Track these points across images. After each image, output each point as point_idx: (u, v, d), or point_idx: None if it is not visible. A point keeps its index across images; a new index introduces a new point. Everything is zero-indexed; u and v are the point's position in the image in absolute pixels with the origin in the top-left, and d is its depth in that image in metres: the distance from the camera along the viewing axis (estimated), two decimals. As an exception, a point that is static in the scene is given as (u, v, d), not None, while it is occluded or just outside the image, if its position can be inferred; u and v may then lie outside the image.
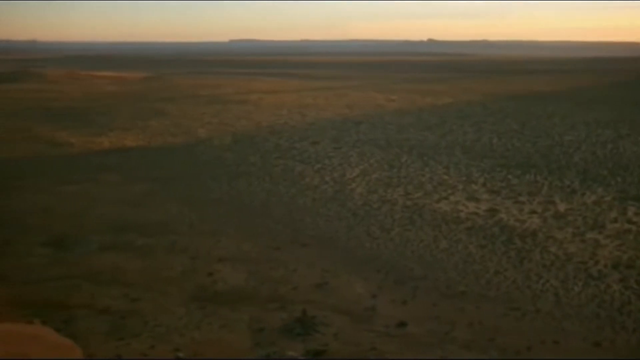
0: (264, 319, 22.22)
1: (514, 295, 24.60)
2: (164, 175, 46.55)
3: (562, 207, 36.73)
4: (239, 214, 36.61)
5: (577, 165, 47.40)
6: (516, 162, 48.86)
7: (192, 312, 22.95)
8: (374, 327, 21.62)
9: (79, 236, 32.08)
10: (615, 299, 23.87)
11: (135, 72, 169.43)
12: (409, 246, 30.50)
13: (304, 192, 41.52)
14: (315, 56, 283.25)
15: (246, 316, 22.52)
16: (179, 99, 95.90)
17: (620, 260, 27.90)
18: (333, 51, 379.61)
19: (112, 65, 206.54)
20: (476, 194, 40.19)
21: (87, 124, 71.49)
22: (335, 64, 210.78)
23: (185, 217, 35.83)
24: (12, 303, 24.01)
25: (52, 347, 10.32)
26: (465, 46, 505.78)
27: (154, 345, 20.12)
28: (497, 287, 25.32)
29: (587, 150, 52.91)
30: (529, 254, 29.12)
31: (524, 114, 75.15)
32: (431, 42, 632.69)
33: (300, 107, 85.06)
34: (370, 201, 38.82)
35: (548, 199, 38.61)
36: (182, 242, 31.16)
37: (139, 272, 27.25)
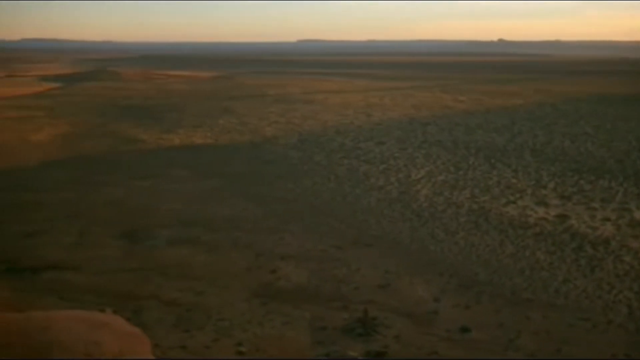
0: (326, 318, 22.32)
1: (584, 305, 23.72)
2: (231, 172, 47.48)
3: (638, 214, 35.14)
4: (303, 213, 36.89)
5: (655, 172, 45.21)
6: (589, 167, 47.08)
7: (255, 308, 23.31)
8: (435, 331, 21.35)
9: (149, 230, 33.21)
10: (694, 313, 22.67)
11: (205, 71, 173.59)
12: (474, 250, 29.93)
13: (369, 192, 41.42)
14: (382, 56, 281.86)
15: (308, 314, 22.68)
16: (247, 98, 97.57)
17: (701, 272, 26.46)
18: (400, 51, 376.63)
19: (184, 65, 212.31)
20: (546, 198, 38.98)
21: (158, 121, 73.79)
22: (402, 64, 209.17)
23: (251, 214, 36.43)
24: (87, 291, 25.12)
25: (122, 334, 10.70)
26: (537, 46, 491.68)
27: (217, 339, 20.56)
28: (565, 296, 24.50)
29: (666, 156, 50.39)
30: (600, 262, 28.01)
31: (598, 116, 72.36)
32: (501, 42, 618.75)
33: (366, 107, 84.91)
34: (435, 203, 38.34)
35: (623, 205, 37.02)
36: (247, 238, 31.70)
37: (205, 266, 27.93)
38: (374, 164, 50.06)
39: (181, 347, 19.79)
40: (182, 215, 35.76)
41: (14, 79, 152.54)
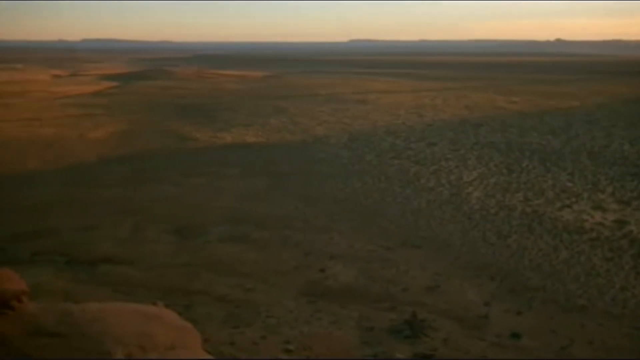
0: (373, 318, 22.25)
1: (642, 314, 22.90)
2: (282, 171, 47.85)
3: (701, 222, 33.66)
4: (353, 212, 36.86)
5: None
6: (650, 171, 45.35)
7: (303, 306, 23.43)
8: (485, 336, 20.99)
9: (201, 226, 33.84)
10: None
11: (257, 71, 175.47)
12: (527, 255, 29.26)
13: (419, 193, 41.07)
14: (434, 56, 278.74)
15: (355, 314, 22.66)
16: (298, 98, 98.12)
17: None
18: (453, 51, 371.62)
19: (237, 64, 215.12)
20: (603, 203, 37.76)
21: (211, 119, 75.03)
22: (455, 65, 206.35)
23: (301, 212, 36.63)
24: (139, 285, 25.79)
25: (174, 328, 10.91)
26: (596, 46, 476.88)
27: (265, 336, 20.76)
28: (623, 304, 23.66)
29: None
30: (661, 270, 26.96)
31: (661, 119, 69.55)
32: (559, 42, 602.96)
33: (418, 108, 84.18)
34: (487, 206, 37.69)
35: (686, 212, 35.53)
36: (296, 237, 31.90)
37: (254, 263, 28.25)
38: (424, 165, 49.58)
39: (230, 343, 20.07)
40: (233, 213, 36.27)
41: (75, 77, 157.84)
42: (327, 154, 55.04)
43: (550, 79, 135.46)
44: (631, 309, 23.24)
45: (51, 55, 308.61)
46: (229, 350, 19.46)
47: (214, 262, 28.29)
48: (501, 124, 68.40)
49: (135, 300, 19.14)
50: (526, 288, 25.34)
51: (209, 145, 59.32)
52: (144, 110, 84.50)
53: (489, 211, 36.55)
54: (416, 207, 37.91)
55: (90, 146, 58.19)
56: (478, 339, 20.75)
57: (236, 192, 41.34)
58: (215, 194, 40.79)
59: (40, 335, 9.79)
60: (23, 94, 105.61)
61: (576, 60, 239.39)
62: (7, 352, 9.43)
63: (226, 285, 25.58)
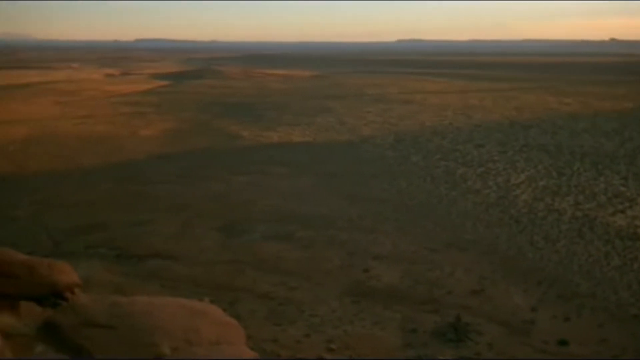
0: (417, 320, 22.13)
1: (699, 324, 22.07)
2: (327, 170, 47.97)
3: None
4: (398, 213, 36.69)
5: None
6: None
7: (346, 306, 23.49)
8: (531, 342, 20.62)
9: (246, 224, 34.27)
10: None
11: (304, 70, 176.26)
12: (576, 260, 28.55)
13: (465, 195, 40.56)
14: (484, 57, 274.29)
15: (399, 315, 22.59)
16: (345, 97, 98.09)
17: None
18: (503, 52, 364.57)
19: (283, 64, 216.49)
20: (658, 209, 36.49)
21: (258, 118, 75.78)
22: (505, 65, 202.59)
23: (345, 212, 36.66)
24: (186, 280, 26.33)
25: (220, 323, 11.09)
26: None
27: (309, 335, 20.90)
28: (677, 314, 22.87)
29: None
30: None
31: None
32: (614, 42, 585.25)
33: (466, 109, 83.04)
34: (535, 209, 36.92)
35: None
36: (341, 236, 31.96)
37: (299, 262, 28.45)
38: (472, 166, 48.91)
39: (273, 340, 20.30)
40: (278, 211, 36.59)
41: (127, 77, 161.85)
42: (373, 154, 54.89)
43: (604, 80, 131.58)
44: (686, 319, 22.42)
45: (105, 55, 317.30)
46: (272, 347, 19.68)
47: (258, 260, 28.63)
48: (552, 126, 66.79)
49: (181, 295, 19.59)
50: (575, 294, 24.75)
51: (256, 144, 59.93)
52: (193, 108, 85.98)
53: (537, 215, 35.81)
54: (462, 209, 37.46)
55: (141, 144, 59.60)
56: (524, 344, 20.40)
57: (282, 191, 41.66)
58: (261, 193, 41.21)
59: (91, 326, 10.11)
60: (78, 92, 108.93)
61: (631, 60, 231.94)
62: (60, 341, 9.79)
63: (270, 282, 25.86)
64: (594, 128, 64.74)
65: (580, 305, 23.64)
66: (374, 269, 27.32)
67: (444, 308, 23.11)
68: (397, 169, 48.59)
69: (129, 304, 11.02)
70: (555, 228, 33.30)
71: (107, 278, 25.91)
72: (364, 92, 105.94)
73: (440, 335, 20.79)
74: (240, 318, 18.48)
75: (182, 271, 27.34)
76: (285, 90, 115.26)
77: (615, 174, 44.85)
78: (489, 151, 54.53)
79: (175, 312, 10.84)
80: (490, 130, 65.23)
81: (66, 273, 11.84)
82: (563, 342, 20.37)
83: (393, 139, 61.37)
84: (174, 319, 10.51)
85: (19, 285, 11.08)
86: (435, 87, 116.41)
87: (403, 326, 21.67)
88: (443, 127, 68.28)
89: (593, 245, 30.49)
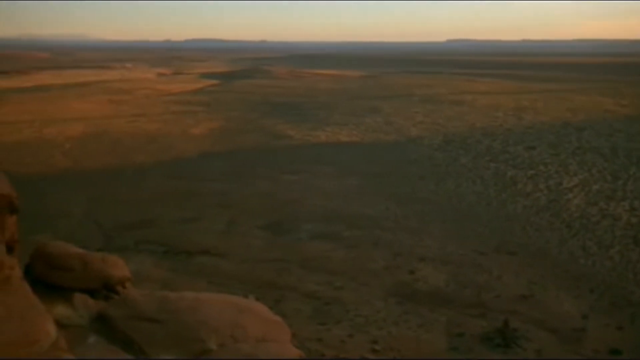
0: (463, 324, 21.83)
1: None
2: (375, 170, 47.80)
3: None
4: (445, 215, 36.28)
5: None
6: None
7: (391, 307, 23.36)
8: (581, 350, 20.07)
9: (292, 223, 34.49)
10: None
11: (353, 70, 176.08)
12: (631, 267, 27.63)
13: (515, 198, 39.77)
14: (535, 57, 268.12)
15: (444, 318, 22.33)
16: (393, 98, 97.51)
17: None
18: (556, 52, 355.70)
19: (332, 64, 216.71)
20: None
21: (306, 118, 76.06)
22: (559, 65, 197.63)
23: (392, 213, 36.47)
24: (232, 277, 26.68)
25: (266, 321, 11.21)
26: None
27: (353, 335, 20.88)
28: None
29: None
30: None
31: None
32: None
33: (517, 110, 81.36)
34: (588, 214, 35.90)
35: None
36: (387, 237, 31.81)
37: (344, 262, 28.46)
38: (522, 169, 47.91)
39: (317, 339, 20.35)
40: (325, 211, 36.68)
41: (178, 76, 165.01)
42: (421, 155, 54.40)
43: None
44: None
45: (157, 55, 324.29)
46: (316, 346, 19.74)
47: (304, 259, 28.76)
48: (607, 128, 64.76)
49: (228, 291, 19.85)
50: (629, 303, 23.97)
51: (303, 144, 60.20)
52: (242, 107, 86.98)
53: (590, 220, 34.81)
54: (512, 212, 36.76)
55: (191, 142, 60.66)
56: (574, 352, 19.89)
57: (328, 191, 41.74)
58: (307, 192, 41.38)
59: (140, 319, 10.39)
60: (131, 91, 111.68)
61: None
62: (112, 333, 10.07)
63: (315, 282, 25.95)
64: (652, 131, 62.47)
65: (634, 314, 22.88)
66: (420, 271, 27.10)
67: (491, 312, 22.72)
68: (444, 170, 48.04)
69: (177, 299, 11.26)
70: (609, 234, 32.31)
71: (155, 273, 26.49)
72: (412, 93, 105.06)
73: (487, 340, 20.45)
74: (285, 316, 18.63)
75: (228, 268, 27.72)
76: (334, 90, 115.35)
77: (674, 179, 43.19)
78: (540, 153, 53.31)
79: (222, 309, 11.03)
80: (542, 132, 63.74)
81: (118, 267, 12.20)
82: (615, 352, 19.77)
83: (441, 140, 60.68)
84: (220, 315, 10.69)
85: (73, 278, 11.48)
86: (485, 88, 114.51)
87: (449, 329, 21.41)
88: (493, 128, 67.09)
89: (649, 252, 29.44)
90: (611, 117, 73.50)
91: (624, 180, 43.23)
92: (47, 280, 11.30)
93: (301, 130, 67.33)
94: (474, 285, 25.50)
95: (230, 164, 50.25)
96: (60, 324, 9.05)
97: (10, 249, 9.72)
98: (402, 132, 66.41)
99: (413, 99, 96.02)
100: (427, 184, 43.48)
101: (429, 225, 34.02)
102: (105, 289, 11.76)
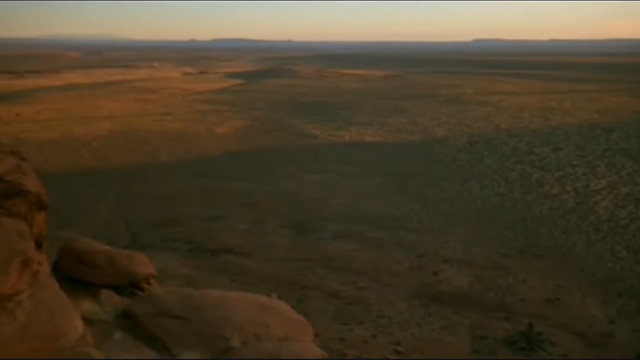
0: (487, 327, 21.64)
1: None
2: (399, 171, 47.63)
3: None
4: (469, 216, 36.00)
5: None
6: None
7: (415, 309, 23.25)
8: (608, 355, 19.74)
9: (316, 222, 34.53)
10: None
11: (378, 70, 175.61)
12: (660, 272, 27.11)
13: (541, 200, 39.29)
14: (564, 57, 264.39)
15: (468, 321, 22.16)
16: (418, 98, 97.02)
17: None
18: (586, 51, 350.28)
19: (358, 64, 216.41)
20: None
21: (330, 118, 76.07)
22: (587, 65, 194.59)
23: (416, 214, 36.31)
24: (255, 276, 26.80)
25: (289, 320, 11.25)
26: None
27: (375, 335, 20.82)
28: None
29: None
30: None
31: None
32: None
33: (544, 111, 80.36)
34: (616, 217, 35.31)
35: None
36: (411, 238, 31.68)
37: (368, 262, 28.40)
38: (548, 170, 47.31)
39: (340, 339, 20.34)
40: (348, 211, 36.66)
41: (204, 75, 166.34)
42: (445, 155, 54.05)
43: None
44: None
45: (184, 54, 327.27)
46: (339, 346, 19.73)
47: (327, 258, 28.78)
48: (636, 130, 63.60)
49: (251, 290, 19.92)
50: (658, 308, 23.52)
51: (328, 143, 60.23)
52: (266, 107, 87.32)
53: (619, 223, 34.23)
54: (537, 214, 36.32)
55: (216, 141, 61.09)
56: (600, 357, 19.57)
57: (352, 191, 41.70)
58: (331, 191, 41.40)
59: (165, 316, 10.51)
60: (157, 90, 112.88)
61: None
62: (137, 329, 10.20)
63: (339, 282, 25.95)
64: (684, 133, 61.21)
65: (663, 320, 22.45)
66: (444, 272, 26.93)
67: (515, 316, 22.49)
68: (469, 171, 47.66)
69: (201, 296, 11.37)
70: (639, 237, 31.74)
71: (180, 271, 26.75)
72: (437, 93, 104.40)
73: (511, 344, 20.24)
74: (308, 315, 18.67)
75: (252, 267, 27.87)
76: (359, 90, 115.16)
77: None
78: (567, 155, 52.60)
79: (246, 307, 11.11)
80: (570, 133, 62.86)
81: (144, 264, 12.36)
82: (643, 357, 19.42)
83: (466, 141, 60.21)
84: (244, 313, 10.77)
85: (100, 274, 11.66)
86: (512, 88, 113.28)
87: (472, 332, 21.24)
88: (519, 129, 66.37)
89: (679, 256, 28.86)
90: (641, 118, 72.06)
91: (653, 183, 42.41)
92: (74, 276, 11.49)
93: (325, 129, 67.37)
94: (498, 288, 25.27)
95: (255, 163, 50.49)
96: (86, 320, 9.21)
97: (39, 245, 9.92)
98: (426, 132, 66.05)
99: (438, 99, 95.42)
100: (451, 185, 43.19)
101: (454, 227, 33.78)
102: (130, 285, 11.92)
